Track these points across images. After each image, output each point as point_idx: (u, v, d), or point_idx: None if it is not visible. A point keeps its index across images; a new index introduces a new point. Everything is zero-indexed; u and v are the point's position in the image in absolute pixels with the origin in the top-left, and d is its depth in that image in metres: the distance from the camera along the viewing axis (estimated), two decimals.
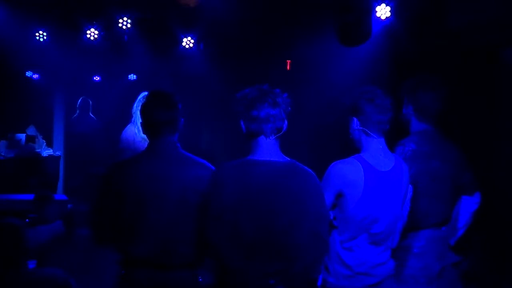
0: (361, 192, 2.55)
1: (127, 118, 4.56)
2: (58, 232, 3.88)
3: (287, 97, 2.44)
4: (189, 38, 7.29)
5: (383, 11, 5.78)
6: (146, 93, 4.24)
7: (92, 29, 6.96)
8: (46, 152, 8.01)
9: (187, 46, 7.33)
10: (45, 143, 8.15)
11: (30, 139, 7.78)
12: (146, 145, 2.74)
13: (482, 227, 3.62)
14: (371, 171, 2.58)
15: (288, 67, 7.29)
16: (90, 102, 8.59)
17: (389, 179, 2.61)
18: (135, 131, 4.40)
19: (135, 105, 4.39)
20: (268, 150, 2.41)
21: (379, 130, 2.64)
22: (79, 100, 8.54)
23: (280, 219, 2.34)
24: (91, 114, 8.63)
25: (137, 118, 4.30)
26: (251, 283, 2.34)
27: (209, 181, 2.44)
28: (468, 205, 3.18)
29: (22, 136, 7.84)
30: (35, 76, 9.13)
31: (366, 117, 2.62)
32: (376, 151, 2.64)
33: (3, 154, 7.54)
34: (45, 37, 7.10)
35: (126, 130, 4.46)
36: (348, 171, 2.58)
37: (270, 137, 2.40)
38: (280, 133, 2.42)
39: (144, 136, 2.81)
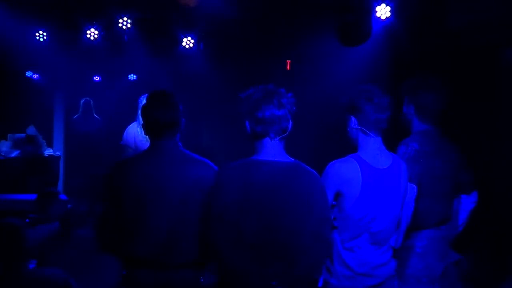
0: (359, 190, 2.55)
1: (127, 118, 4.56)
2: (56, 232, 3.87)
3: (291, 96, 2.43)
4: (189, 38, 7.29)
5: (383, 11, 5.79)
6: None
7: (92, 29, 6.96)
8: (46, 152, 8.01)
9: (187, 46, 7.33)
10: (45, 143, 8.14)
11: (30, 139, 7.77)
12: (147, 145, 2.75)
13: (482, 227, 3.63)
14: (368, 169, 2.58)
15: (288, 67, 7.29)
16: (92, 103, 8.60)
17: (386, 177, 2.61)
18: (137, 130, 4.39)
19: (139, 104, 4.38)
20: (272, 151, 2.41)
21: (377, 129, 2.64)
22: (82, 101, 8.54)
23: (283, 220, 2.34)
24: (95, 115, 8.64)
25: (140, 117, 4.31)
26: (253, 284, 2.34)
27: (212, 181, 2.44)
28: (466, 204, 3.21)
29: (22, 136, 7.83)
30: (35, 76, 9.13)
31: (364, 116, 2.62)
32: (373, 149, 2.64)
33: (3, 154, 7.54)
34: (45, 37, 7.10)
35: (129, 129, 4.46)
36: (345, 170, 2.58)
37: (275, 139, 2.40)
38: (285, 133, 2.42)
39: (146, 136, 2.81)
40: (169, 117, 2.62)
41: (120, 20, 6.85)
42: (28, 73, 8.96)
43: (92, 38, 6.98)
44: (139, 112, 4.30)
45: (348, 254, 2.62)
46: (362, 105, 2.61)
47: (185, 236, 2.56)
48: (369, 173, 2.57)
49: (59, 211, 4.48)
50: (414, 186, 2.86)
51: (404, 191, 2.72)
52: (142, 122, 2.75)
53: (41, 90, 8.91)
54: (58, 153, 8.34)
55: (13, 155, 7.57)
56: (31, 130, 7.84)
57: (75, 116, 8.66)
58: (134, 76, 9.39)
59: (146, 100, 2.73)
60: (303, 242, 2.35)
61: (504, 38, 4.68)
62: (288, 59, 7.25)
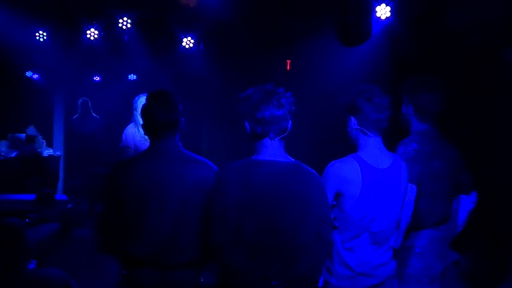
0: (359, 190, 2.55)
1: (127, 118, 4.56)
2: (56, 232, 3.88)
3: (290, 96, 2.44)
4: (189, 38, 7.29)
5: (383, 11, 5.79)
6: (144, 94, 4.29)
7: (92, 29, 6.95)
8: (46, 152, 8.02)
9: (187, 46, 7.32)
10: (45, 143, 8.15)
11: (30, 139, 7.78)
12: (146, 145, 2.75)
13: (481, 227, 3.63)
14: (368, 169, 2.58)
15: (288, 67, 7.29)
16: (90, 102, 8.60)
17: (387, 177, 2.61)
18: (134, 131, 4.41)
19: (135, 105, 4.40)
20: (272, 151, 2.42)
21: (376, 129, 2.63)
22: (80, 102, 8.54)
23: (284, 220, 2.34)
24: (93, 114, 8.64)
25: (137, 118, 4.33)
26: (253, 284, 2.34)
27: (213, 181, 2.44)
28: (465, 204, 3.21)
29: (22, 136, 7.84)
30: (35, 76, 9.13)
31: (364, 116, 2.62)
32: (373, 149, 2.64)
33: (3, 154, 7.54)
34: (45, 37, 7.09)
35: (127, 130, 4.48)
36: (345, 170, 2.58)
37: (275, 139, 2.41)
38: (285, 133, 2.42)
39: (145, 136, 2.82)
40: (169, 117, 2.62)
41: (120, 20, 6.84)
42: (28, 73, 8.96)
43: (92, 38, 6.97)
44: (135, 113, 4.34)
45: (348, 254, 2.62)
46: (362, 105, 2.61)
47: (185, 236, 2.56)
48: (369, 173, 2.57)
49: (56, 212, 4.50)
50: (414, 186, 2.86)
51: (404, 191, 2.72)
52: (142, 122, 2.75)
53: (41, 90, 8.92)
54: (58, 153, 8.35)
55: (13, 155, 7.58)
56: (31, 130, 7.85)
57: (74, 117, 8.66)
58: (134, 76, 9.40)
59: (146, 100, 2.73)
60: (303, 242, 2.35)
61: (504, 38, 4.68)
62: (288, 59, 7.25)
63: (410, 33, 5.53)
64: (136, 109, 4.36)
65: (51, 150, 8.25)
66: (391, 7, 5.77)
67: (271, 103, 2.36)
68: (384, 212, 2.61)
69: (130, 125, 4.48)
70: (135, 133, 4.39)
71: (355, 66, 5.89)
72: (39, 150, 7.89)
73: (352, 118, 2.67)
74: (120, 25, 6.87)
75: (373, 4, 5.78)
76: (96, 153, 8.00)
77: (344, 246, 2.62)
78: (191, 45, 7.32)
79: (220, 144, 7.93)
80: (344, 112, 2.71)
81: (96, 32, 6.97)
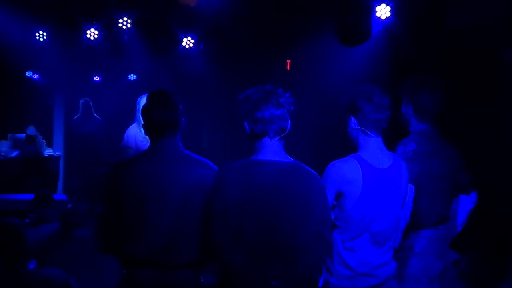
0: (360, 190, 2.55)
1: (127, 118, 4.56)
2: (56, 232, 3.87)
3: (289, 96, 2.44)
4: (189, 38, 7.29)
5: (383, 11, 5.79)
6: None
7: (92, 29, 6.95)
8: (46, 152, 8.01)
9: (187, 46, 7.33)
10: (45, 143, 8.14)
11: (30, 139, 7.77)
12: (147, 145, 2.75)
13: (481, 227, 3.63)
14: (369, 169, 2.58)
15: (288, 67, 7.30)
16: (91, 103, 8.61)
17: (387, 177, 2.61)
18: (137, 131, 4.40)
19: (138, 105, 4.39)
20: (272, 150, 2.43)
21: (377, 129, 2.63)
22: (81, 102, 8.54)
23: (284, 220, 2.35)
24: (95, 115, 8.64)
25: (140, 118, 4.33)
26: (253, 284, 2.35)
27: (213, 181, 2.45)
28: (465, 204, 3.21)
29: (22, 136, 7.84)
30: (35, 76, 9.13)
31: (364, 116, 2.62)
32: (373, 149, 2.64)
33: (3, 154, 7.54)
34: (45, 37, 7.09)
35: (129, 130, 4.47)
36: (346, 170, 2.58)
37: (275, 138, 2.41)
38: (284, 133, 2.43)
39: (146, 136, 2.82)
40: (169, 117, 2.63)
41: (120, 20, 6.85)
42: (28, 73, 8.96)
43: (92, 38, 6.97)
44: (138, 113, 4.32)
45: (349, 254, 2.62)
46: (362, 105, 2.61)
47: (185, 236, 2.57)
48: (370, 173, 2.57)
49: (56, 212, 4.49)
50: (412, 186, 2.86)
51: (404, 191, 2.72)
52: (143, 122, 2.75)
53: (41, 90, 8.92)
54: (58, 153, 8.34)
55: (13, 155, 7.58)
56: (31, 130, 7.85)
57: (75, 117, 8.66)
58: (134, 76, 9.40)
59: (146, 100, 2.73)
60: (303, 242, 2.36)
61: (504, 38, 4.68)
62: (288, 59, 7.25)
63: (410, 33, 5.53)
64: (139, 110, 4.35)
65: (51, 150, 8.25)
66: (391, 7, 5.78)
67: (270, 103, 2.37)
68: (385, 212, 2.61)
69: (132, 125, 4.47)
70: (137, 134, 4.38)
71: (355, 66, 5.89)
72: (39, 150, 7.89)
73: (352, 118, 2.67)
74: (120, 25, 6.87)
75: (373, 4, 5.78)
76: (96, 153, 8.00)
77: (344, 246, 2.62)
78: (191, 45, 7.32)
79: (220, 144, 7.93)
80: (344, 112, 2.71)
81: (96, 32, 6.97)
